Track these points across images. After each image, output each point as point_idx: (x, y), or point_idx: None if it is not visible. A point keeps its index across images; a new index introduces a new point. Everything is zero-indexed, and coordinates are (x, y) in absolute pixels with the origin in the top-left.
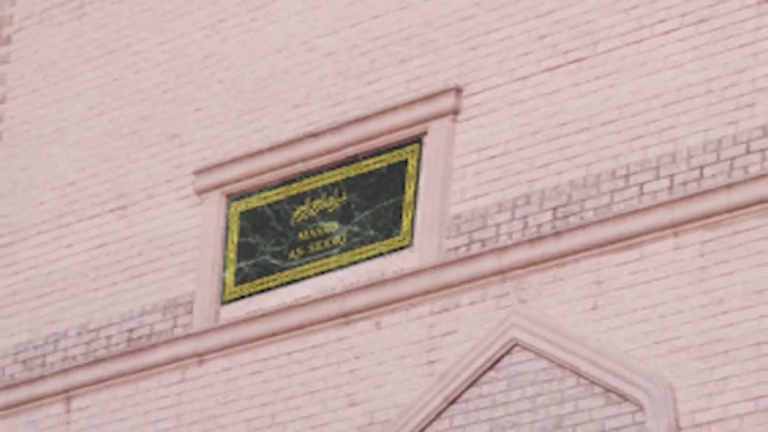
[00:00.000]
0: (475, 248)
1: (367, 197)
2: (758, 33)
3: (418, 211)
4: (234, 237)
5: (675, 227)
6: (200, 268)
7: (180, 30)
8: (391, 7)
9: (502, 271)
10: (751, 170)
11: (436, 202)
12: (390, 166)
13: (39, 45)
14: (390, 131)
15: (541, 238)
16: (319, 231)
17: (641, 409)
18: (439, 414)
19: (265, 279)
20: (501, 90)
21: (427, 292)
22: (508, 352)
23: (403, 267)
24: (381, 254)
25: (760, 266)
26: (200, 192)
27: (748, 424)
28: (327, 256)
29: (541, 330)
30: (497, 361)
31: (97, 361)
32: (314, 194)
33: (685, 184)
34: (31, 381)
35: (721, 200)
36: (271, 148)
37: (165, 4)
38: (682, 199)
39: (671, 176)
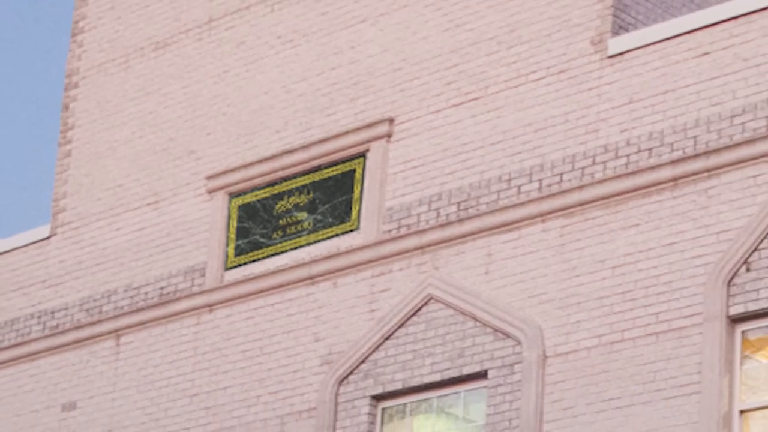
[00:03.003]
0: (403, 231)
1: (327, 195)
2: (601, 80)
3: (363, 205)
4: (234, 223)
5: (543, 216)
6: (210, 244)
7: (196, 78)
8: (343, 62)
9: (421, 247)
10: (596, 176)
11: (375, 198)
12: (343, 174)
13: (97, 88)
14: (343, 149)
15: (448, 223)
16: (294, 219)
17: (519, 343)
18: (377, 347)
19: (256, 252)
20: (421, 120)
21: (369, 261)
22: (425, 303)
23: (352, 244)
24: (337, 235)
25: (601, 243)
26: (210, 191)
27: (593, 354)
28: (299, 236)
29: (449, 288)
30: (418, 310)
31: (138, 310)
32: (290, 193)
33: (550, 186)
34: (91, 324)
35: (575, 197)
36: (260, 161)
37: (185, 59)
38: (548, 196)
39: (540, 180)
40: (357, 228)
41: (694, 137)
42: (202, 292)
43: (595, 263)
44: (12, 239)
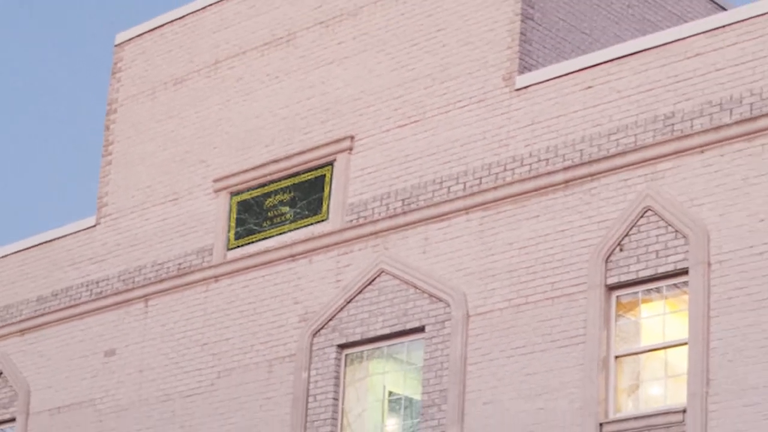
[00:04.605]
0: (361, 221)
1: (304, 194)
2: (510, 107)
3: (331, 201)
4: (234, 215)
5: (467, 209)
6: (216, 230)
7: (206, 105)
8: (316, 93)
9: (375, 233)
10: (507, 179)
11: (340, 196)
12: (316, 178)
13: (131, 113)
14: (316, 159)
15: (396, 215)
16: (279, 211)
17: (449, 305)
18: (342, 308)
19: (251, 237)
20: (375, 137)
21: (336, 244)
22: (378, 275)
23: (323, 230)
24: (311, 224)
25: (511, 230)
26: (216, 191)
27: (505, 314)
28: (283, 225)
29: (396, 264)
30: (372, 280)
31: (162, 280)
32: (276, 192)
33: (472, 186)
34: (126, 291)
35: (491, 195)
36: (254, 168)
37: (198, 91)
38: (471, 194)
39: (465, 183)
40: (327, 218)
41: (581, 150)
42: (210, 267)
43: (506, 245)
44: (67, 227)
